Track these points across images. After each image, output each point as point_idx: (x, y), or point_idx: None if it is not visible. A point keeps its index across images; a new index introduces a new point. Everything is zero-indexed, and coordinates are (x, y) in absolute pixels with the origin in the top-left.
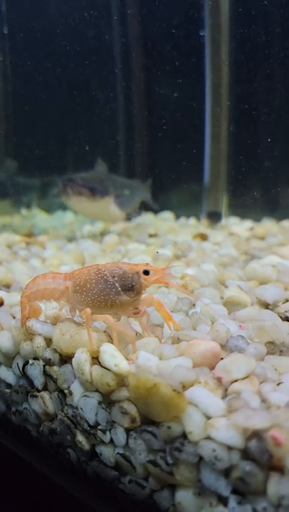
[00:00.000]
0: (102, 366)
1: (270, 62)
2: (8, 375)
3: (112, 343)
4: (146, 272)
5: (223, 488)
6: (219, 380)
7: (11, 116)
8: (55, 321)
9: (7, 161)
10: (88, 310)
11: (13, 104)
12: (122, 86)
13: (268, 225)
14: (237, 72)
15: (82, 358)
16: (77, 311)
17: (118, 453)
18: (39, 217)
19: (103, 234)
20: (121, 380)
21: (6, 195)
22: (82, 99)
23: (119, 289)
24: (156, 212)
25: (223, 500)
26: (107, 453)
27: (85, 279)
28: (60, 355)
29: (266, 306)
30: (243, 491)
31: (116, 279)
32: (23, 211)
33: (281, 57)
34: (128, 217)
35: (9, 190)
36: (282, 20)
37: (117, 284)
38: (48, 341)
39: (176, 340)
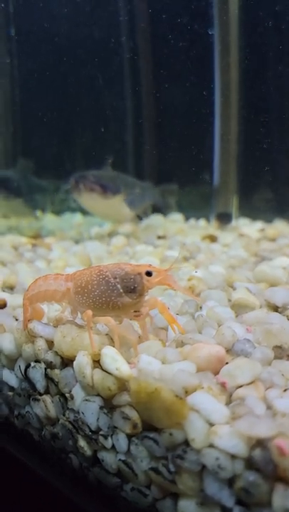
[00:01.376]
0: (103, 370)
1: (281, 62)
2: (11, 378)
3: (113, 346)
4: (148, 273)
5: (226, 498)
6: (223, 385)
7: (26, 117)
8: (57, 323)
9: (21, 161)
10: (89, 312)
11: (28, 106)
12: (131, 87)
13: (279, 226)
14: (247, 71)
15: (83, 361)
16: (78, 313)
17: (120, 459)
18: (47, 218)
19: (111, 235)
20: (122, 385)
21: (20, 195)
22: (91, 101)
23: (121, 290)
24: (165, 214)
25: (226, 511)
26: (108, 459)
27: (86, 281)
28: (62, 358)
29: (275, 308)
30: (247, 502)
31: (118, 280)
32: (38, 212)
33: None
34: (139, 218)
35: (23, 190)
36: None
37: (118, 286)
38: (50, 344)
39: (180, 344)
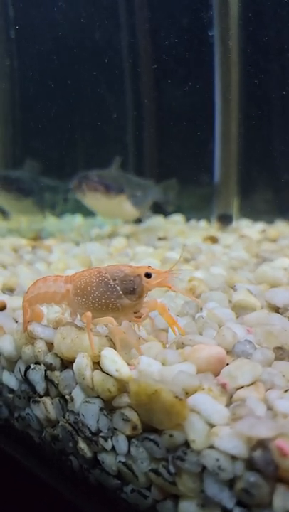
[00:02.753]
0: (103, 371)
1: (281, 62)
2: (11, 380)
3: (113, 348)
4: (148, 275)
5: (227, 499)
6: (223, 386)
7: (29, 119)
8: (56, 324)
9: (28, 161)
10: (89, 314)
11: (34, 107)
12: (131, 88)
13: (280, 227)
14: (247, 72)
15: (83, 362)
16: (78, 315)
17: (120, 461)
18: (48, 220)
19: (111, 237)
20: (122, 386)
21: (29, 195)
22: (91, 102)
23: (121, 292)
24: (167, 214)
25: None
26: (109, 461)
27: (85, 282)
28: (62, 359)
29: (276, 309)
30: (247, 503)
31: (117, 282)
32: (48, 212)
33: None
34: (139, 219)
35: (33, 190)
36: None
37: (118, 287)
38: (50, 345)
39: (181, 345)
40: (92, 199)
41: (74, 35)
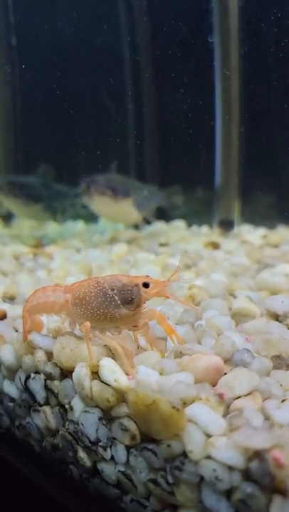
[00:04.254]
0: (101, 381)
1: (281, 67)
2: (12, 389)
3: (112, 358)
4: (146, 285)
5: (224, 510)
6: (221, 396)
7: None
8: (56, 334)
9: (42, 167)
10: (87, 323)
11: (38, 113)
12: (132, 94)
13: (282, 232)
14: (247, 77)
15: (82, 372)
16: (77, 325)
17: (119, 470)
18: (49, 227)
19: (112, 243)
20: (121, 396)
21: (38, 200)
22: (92, 108)
23: (119, 302)
24: (169, 220)
25: None
26: (108, 470)
27: (84, 292)
28: (61, 369)
29: (276, 317)
30: None
31: (115, 291)
32: (58, 218)
33: None
34: (146, 222)
35: (43, 195)
36: None
37: (116, 297)
38: (49, 355)
39: (179, 355)
40: (100, 202)
41: (75, 42)
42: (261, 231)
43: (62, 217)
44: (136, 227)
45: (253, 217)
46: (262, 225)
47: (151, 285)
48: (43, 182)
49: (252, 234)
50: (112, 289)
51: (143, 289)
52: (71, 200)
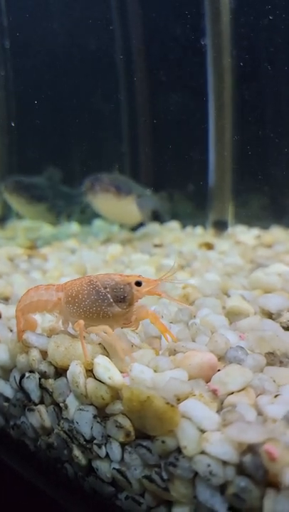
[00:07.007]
0: (96, 379)
1: (274, 68)
2: (6, 389)
3: (106, 356)
4: (138, 283)
5: (219, 504)
6: (214, 392)
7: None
8: (50, 333)
9: (50, 169)
10: (81, 322)
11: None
12: (125, 96)
13: (275, 232)
14: (240, 78)
15: (76, 370)
16: (70, 323)
17: (114, 468)
18: (44, 229)
19: (107, 244)
20: (115, 393)
21: (42, 200)
22: (85, 111)
23: (111, 300)
24: (162, 222)
25: None
26: (103, 468)
27: (77, 290)
28: (56, 367)
29: (270, 315)
30: (239, 508)
31: (108, 290)
32: (64, 221)
33: (285, 63)
34: (142, 223)
35: (48, 196)
36: (285, 25)
37: (109, 295)
38: (44, 354)
39: (173, 352)
40: (103, 200)
41: (70, 46)
42: (255, 232)
43: (67, 220)
44: (133, 229)
45: (247, 218)
46: (255, 225)
47: (143, 284)
48: (50, 183)
49: (245, 234)
50: (105, 288)
51: (135, 288)
52: (80, 205)
